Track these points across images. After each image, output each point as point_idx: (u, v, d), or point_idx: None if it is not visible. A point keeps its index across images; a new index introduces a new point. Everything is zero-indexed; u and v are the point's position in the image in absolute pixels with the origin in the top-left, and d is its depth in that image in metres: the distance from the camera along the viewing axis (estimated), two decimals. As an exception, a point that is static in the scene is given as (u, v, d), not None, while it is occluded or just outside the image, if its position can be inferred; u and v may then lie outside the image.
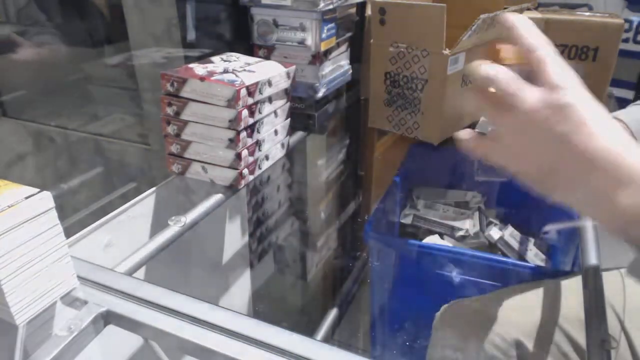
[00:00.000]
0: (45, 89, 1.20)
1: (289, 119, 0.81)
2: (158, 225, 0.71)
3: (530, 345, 0.63)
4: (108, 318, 0.43)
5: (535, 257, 1.00)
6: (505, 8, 0.87)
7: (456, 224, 1.03)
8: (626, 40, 1.68)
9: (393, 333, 0.94)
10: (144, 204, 0.70)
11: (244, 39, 0.89)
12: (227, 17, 0.97)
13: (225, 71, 0.68)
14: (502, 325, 0.66)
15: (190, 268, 0.85)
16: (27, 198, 0.37)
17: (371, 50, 0.95)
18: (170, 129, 0.69)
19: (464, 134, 0.43)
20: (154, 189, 0.72)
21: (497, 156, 0.41)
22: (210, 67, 0.70)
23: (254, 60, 0.76)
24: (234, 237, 0.94)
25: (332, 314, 1.15)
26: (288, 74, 0.75)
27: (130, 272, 0.53)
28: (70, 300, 0.43)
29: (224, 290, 0.95)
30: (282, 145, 0.81)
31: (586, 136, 0.36)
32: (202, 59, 0.75)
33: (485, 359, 0.65)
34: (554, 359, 0.63)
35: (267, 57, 0.87)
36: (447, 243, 1.02)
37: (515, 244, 1.00)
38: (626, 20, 1.35)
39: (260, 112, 0.70)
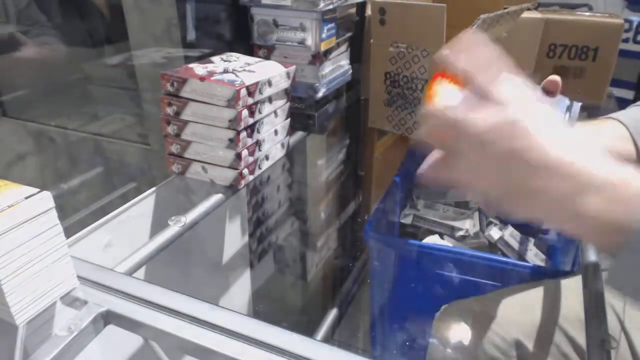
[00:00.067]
0: (46, 89, 1.20)
1: (289, 119, 0.81)
2: (158, 225, 0.71)
3: (530, 345, 0.63)
4: (108, 318, 0.43)
5: (535, 257, 1.00)
6: (505, 8, 0.86)
7: (456, 224, 1.03)
8: (626, 40, 1.68)
9: (393, 333, 0.94)
10: (144, 204, 0.70)
11: (244, 39, 0.89)
12: (227, 17, 0.97)
13: (225, 71, 0.68)
14: (502, 325, 0.66)
15: (190, 268, 0.85)
16: (27, 198, 0.37)
17: (371, 50, 0.95)
18: (170, 129, 0.69)
19: (421, 170, 0.44)
20: (154, 189, 0.72)
21: (458, 181, 0.41)
22: (210, 67, 0.70)
23: (254, 60, 0.76)
24: (234, 237, 0.94)
25: (332, 314, 1.15)
26: (288, 74, 0.75)
27: (130, 272, 0.53)
28: (70, 300, 0.43)
29: (224, 290, 0.95)
30: (282, 145, 0.81)
31: (536, 151, 0.36)
32: (202, 59, 0.75)
33: (485, 359, 0.65)
34: (554, 359, 0.63)
35: (267, 57, 0.87)
36: (447, 243, 1.02)
37: (515, 244, 1.00)
38: (626, 20, 1.35)
39: (260, 112, 0.70)
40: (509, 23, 0.94)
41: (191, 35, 0.91)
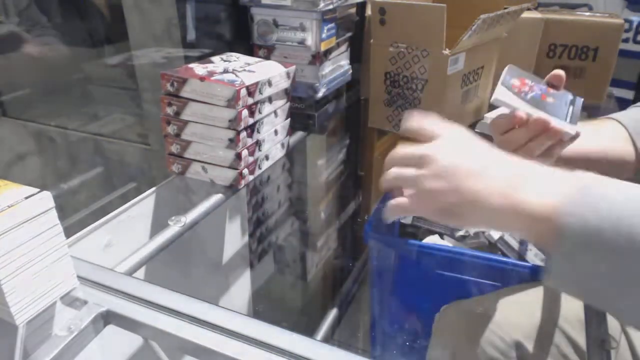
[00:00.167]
0: (46, 89, 1.20)
1: (289, 119, 0.80)
2: (158, 225, 0.71)
3: (530, 346, 0.63)
4: (108, 318, 0.43)
5: (535, 257, 1.00)
6: (505, 8, 0.87)
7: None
8: (626, 40, 1.68)
9: (393, 333, 0.94)
10: (144, 204, 0.70)
11: (244, 39, 0.89)
12: (227, 17, 0.97)
13: (225, 71, 0.68)
14: (502, 326, 0.66)
15: (190, 268, 0.85)
16: (27, 198, 0.37)
17: (371, 50, 0.95)
18: (170, 129, 0.69)
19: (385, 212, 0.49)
20: (154, 189, 0.72)
21: (410, 211, 0.47)
22: (210, 67, 0.70)
23: (254, 60, 0.76)
24: (234, 237, 0.94)
25: (332, 314, 1.15)
26: (288, 74, 0.75)
27: (130, 272, 0.53)
28: (70, 300, 0.43)
29: (224, 290, 0.95)
30: (282, 145, 0.81)
31: (464, 179, 0.41)
32: (202, 59, 0.75)
33: None
34: (554, 359, 0.63)
35: (267, 57, 0.87)
36: (447, 243, 1.02)
37: (515, 244, 1.00)
38: (626, 20, 1.35)
39: (260, 112, 0.70)
40: (509, 23, 0.94)
41: (191, 35, 0.91)
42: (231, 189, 0.70)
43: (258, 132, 0.71)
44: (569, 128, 0.52)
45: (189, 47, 0.91)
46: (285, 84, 0.75)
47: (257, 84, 0.67)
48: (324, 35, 0.84)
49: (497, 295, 0.71)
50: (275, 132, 0.77)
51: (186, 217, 0.61)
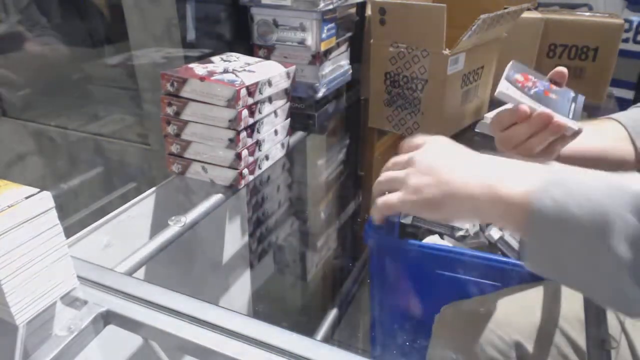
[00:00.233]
0: (46, 89, 1.20)
1: (289, 119, 0.80)
2: (158, 225, 0.71)
3: (530, 346, 0.63)
4: (108, 318, 0.43)
5: (535, 257, 1.00)
6: (505, 8, 0.86)
7: (456, 224, 1.03)
8: (626, 40, 1.68)
9: (393, 333, 0.94)
10: (144, 204, 0.70)
11: (244, 39, 0.89)
12: (227, 17, 0.97)
13: (225, 71, 0.68)
14: (501, 326, 0.66)
15: (190, 268, 0.85)
16: (27, 198, 0.37)
17: (371, 50, 0.95)
18: (170, 129, 0.69)
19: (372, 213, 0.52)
20: (154, 189, 0.71)
21: (396, 207, 0.49)
22: (210, 67, 0.70)
23: (254, 60, 0.76)
24: (234, 237, 0.94)
25: (332, 314, 1.15)
26: (288, 74, 0.75)
27: (130, 272, 0.53)
28: (70, 300, 0.43)
29: (224, 290, 0.95)
30: (282, 145, 0.81)
31: (446, 173, 0.45)
32: (202, 59, 0.75)
33: None
34: None
35: (267, 57, 0.87)
36: (447, 243, 1.02)
37: (515, 244, 1.00)
38: (626, 20, 1.35)
39: (260, 112, 0.70)
40: (509, 23, 0.94)
41: (191, 35, 0.91)
42: (231, 189, 0.70)
43: (258, 132, 0.71)
44: (572, 123, 0.52)
45: (189, 47, 0.91)
46: (285, 84, 0.75)
47: (257, 84, 0.67)
48: (324, 35, 0.84)
49: (497, 295, 0.71)
50: (275, 132, 0.77)
51: (186, 217, 0.61)
